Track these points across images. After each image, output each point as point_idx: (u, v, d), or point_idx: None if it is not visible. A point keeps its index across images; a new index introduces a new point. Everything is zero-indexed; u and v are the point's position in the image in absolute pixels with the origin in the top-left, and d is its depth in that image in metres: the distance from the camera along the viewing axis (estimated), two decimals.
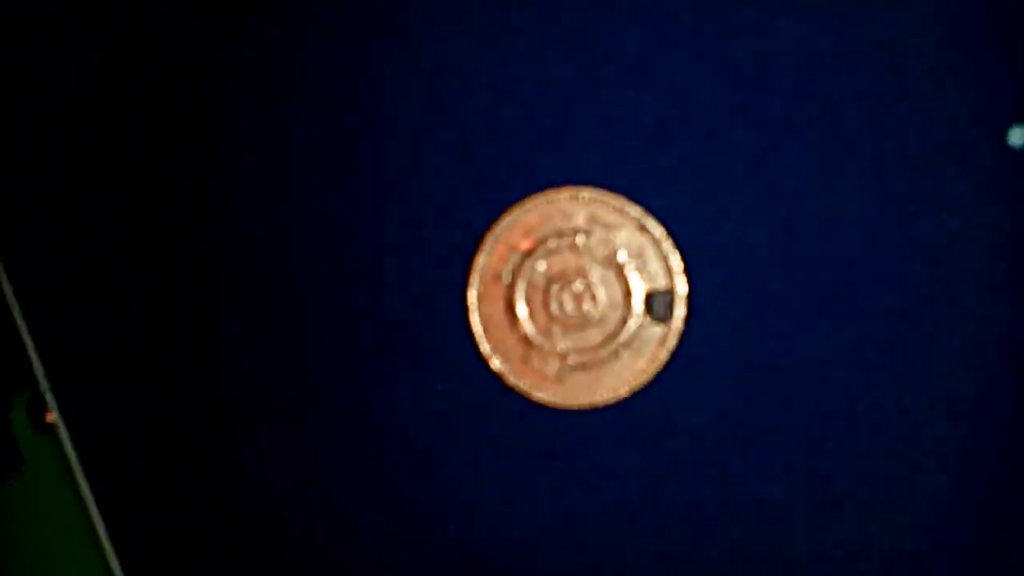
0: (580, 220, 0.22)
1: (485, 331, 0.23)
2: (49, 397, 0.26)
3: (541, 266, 0.23)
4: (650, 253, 0.22)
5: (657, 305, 0.22)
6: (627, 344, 0.22)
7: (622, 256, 0.22)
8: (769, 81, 0.22)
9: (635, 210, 0.22)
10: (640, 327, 0.22)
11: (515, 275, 0.23)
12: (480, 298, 0.23)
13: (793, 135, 0.22)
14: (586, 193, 0.22)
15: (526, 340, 0.23)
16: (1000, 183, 0.22)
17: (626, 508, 0.23)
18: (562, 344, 0.23)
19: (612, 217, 0.22)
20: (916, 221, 0.22)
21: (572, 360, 0.23)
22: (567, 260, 0.23)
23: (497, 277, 0.23)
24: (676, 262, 0.22)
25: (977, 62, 0.22)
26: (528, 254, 0.23)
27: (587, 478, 0.23)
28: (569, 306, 0.23)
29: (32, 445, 0.29)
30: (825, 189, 0.22)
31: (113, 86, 0.24)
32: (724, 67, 0.22)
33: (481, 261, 0.23)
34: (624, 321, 0.23)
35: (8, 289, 0.26)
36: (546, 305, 0.23)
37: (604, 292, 0.23)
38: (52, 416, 0.27)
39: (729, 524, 0.22)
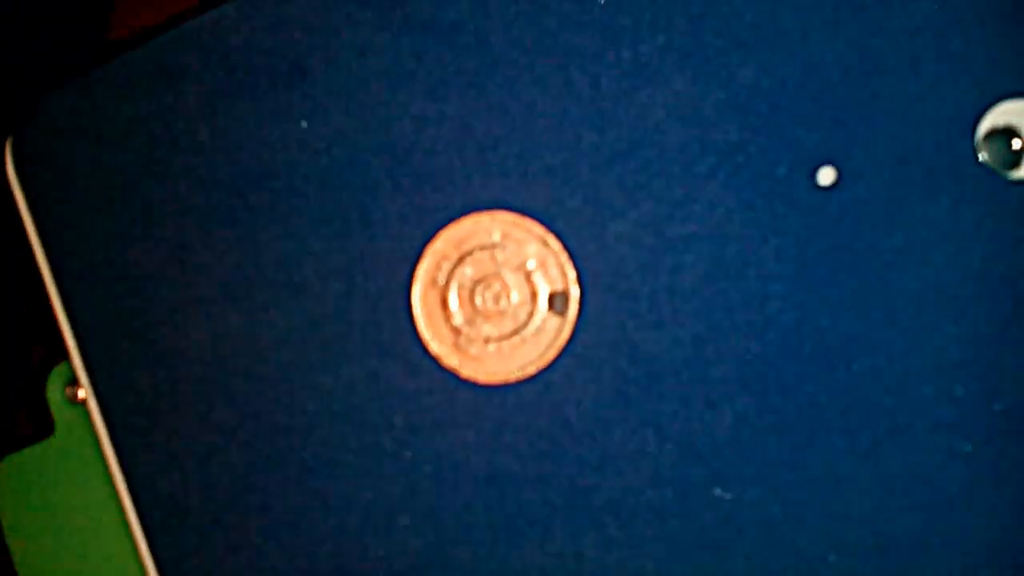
0: (497, 236, 0.27)
1: (425, 322, 0.28)
2: (82, 375, 0.30)
3: (468, 271, 0.27)
4: (551, 262, 0.27)
5: (557, 303, 0.27)
6: (533, 333, 0.27)
7: (530, 264, 0.27)
8: (649, 127, 0.27)
9: (539, 229, 0.27)
10: (543, 320, 0.27)
11: (448, 278, 0.27)
12: (421, 296, 0.28)
13: (669, 173, 0.27)
14: (502, 216, 0.27)
15: (456, 329, 0.28)
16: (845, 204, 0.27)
17: (532, 461, 0.27)
18: (483, 332, 0.27)
19: (522, 235, 0.27)
20: (769, 239, 0.27)
21: (491, 345, 0.27)
22: (488, 267, 0.27)
23: (434, 280, 0.27)
24: (571, 270, 0.27)
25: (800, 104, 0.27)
26: (458, 262, 0.27)
27: (504, 436, 0.27)
28: (489, 302, 0.27)
29: (65, 414, 0.33)
30: (694, 216, 0.26)
31: None
32: (611, 118, 0.27)
33: (423, 268, 0.27)
34: (531, 315, 0.27)
35: (46, 269, 0.30)
36: (472, 301, 0.27)
37: (516, 292, 0.27)
38: (83, 392, 0.31)
39: (609, 476, 0.27)
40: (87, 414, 0.31)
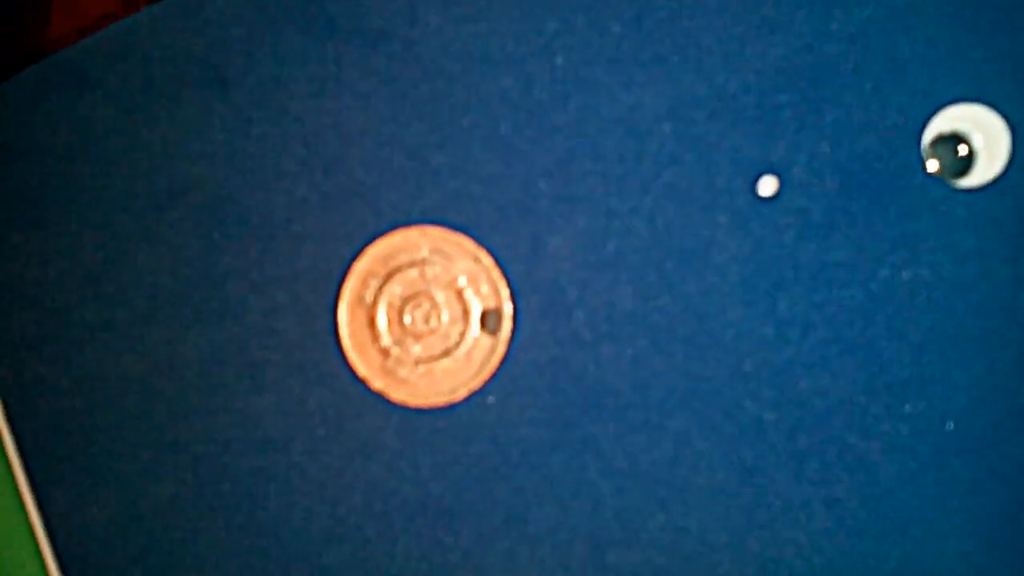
0: (427, 252, 0.26)
1: (351, 342, 0.26)
2: None
3: (397, 289, 0.26)
4: (483, 279, 0.26)
5: (490, 321, 0.26)
6: (465, 353, 0.26)
7: (461, 281, 0.26)
8: (583, 137, 0.26)
9: (470, 244, 0.26)
10: (475, 339, 0.26)
11: (376, 296, 0.26)
12: (348, 315, 0.26)
13: (605, 184, 0.26)
14: (432, 231, 0.26)
15: (384, 350, 0.26)
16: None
17: (465, 489, 0.26)
18: (412, 352, 0.26)
19: (452, 250, 0.26)
20: (705, 255, 0.26)
21: (421, 366, 0.26)
22: (417, 284, 0.26)
23: (361, 298, 0.26)
24: (503, 287, 0.26)
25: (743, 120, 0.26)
26: (386, 279, 0.26)
27: (436, 463, 0.26)
28: (419, 322, 0.26)
29: None
30: (631, 230, 0.26)
31: None
32: (547, 131, 0.26)
33: (349, 285, 0.26)
34: (463, 334, 0.26)
35: None
36: (400, 321, 0.26)
37: (447, 311, 0.26)
38: None
39: (547, 504, 0.26)
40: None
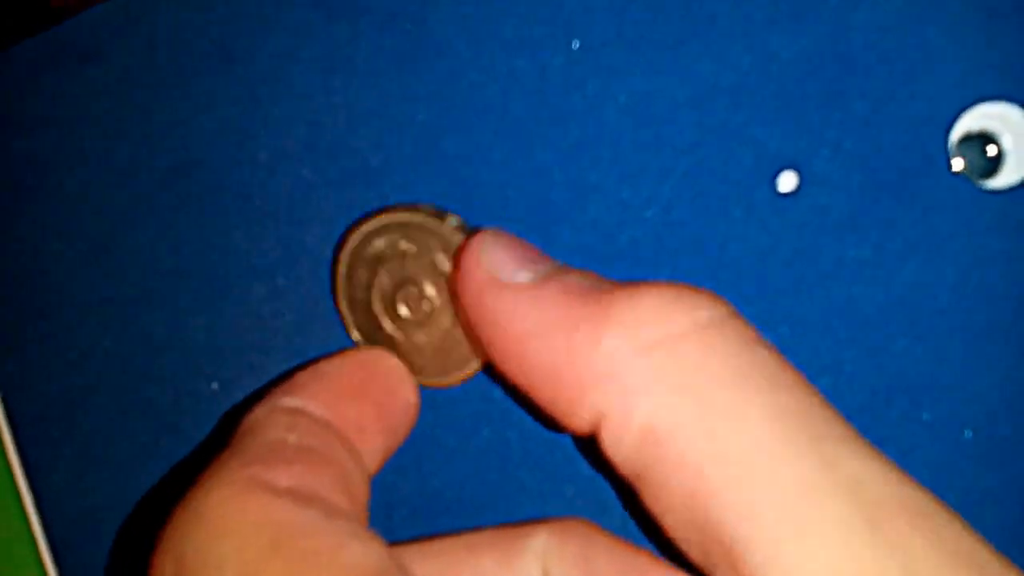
0: (400, 239, 0.24)
1: (358, 335, 0.25)
2: None
3: (384, 281, 0.25)
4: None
5: None
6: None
7: (440, 261, 0.24)
8: (598, 124, 0.25)
9: (433, 222, 0.24)
10: None
11: (368, 291, 0.25)
12: (348, 308, 0.25)
13: (617, 174, 0.25)
14: (399, 215, 0.24)
15: (389, 338, 0.25)
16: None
17: (474, 465, 0.26)
18: (417, 339, 0.25)
19: (419, 232, 0.24)
20: (731, 228, 0.25)
21: (429, 349, 0.25)
22: (400, 272, 0.25)
23: (353, 297, 0.25)
24: None
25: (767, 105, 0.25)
26: (374, 273, 0.25)
27: (455, 442, 0.26)
28: (413, 309, 0.25)
29: None
30: (643, 222, 0.25)
31: None
32: (560, 117, 0.25)
33: (340, 284, 0.25)
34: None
35: None
36: (395, 311, 0.25)
37: (437, 293, 0.25)
38: None
39: (545, 501, 0.26)
40: None
